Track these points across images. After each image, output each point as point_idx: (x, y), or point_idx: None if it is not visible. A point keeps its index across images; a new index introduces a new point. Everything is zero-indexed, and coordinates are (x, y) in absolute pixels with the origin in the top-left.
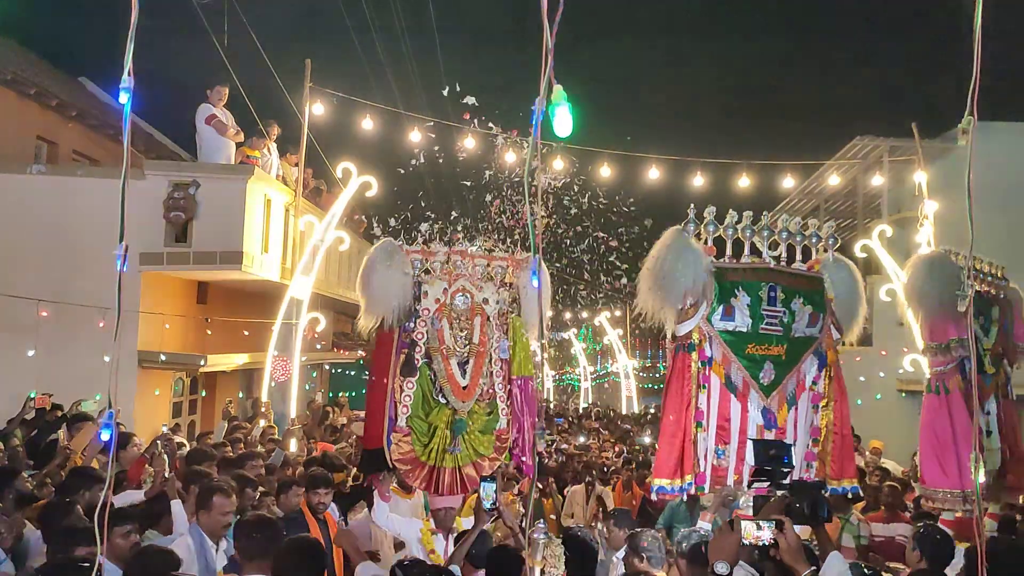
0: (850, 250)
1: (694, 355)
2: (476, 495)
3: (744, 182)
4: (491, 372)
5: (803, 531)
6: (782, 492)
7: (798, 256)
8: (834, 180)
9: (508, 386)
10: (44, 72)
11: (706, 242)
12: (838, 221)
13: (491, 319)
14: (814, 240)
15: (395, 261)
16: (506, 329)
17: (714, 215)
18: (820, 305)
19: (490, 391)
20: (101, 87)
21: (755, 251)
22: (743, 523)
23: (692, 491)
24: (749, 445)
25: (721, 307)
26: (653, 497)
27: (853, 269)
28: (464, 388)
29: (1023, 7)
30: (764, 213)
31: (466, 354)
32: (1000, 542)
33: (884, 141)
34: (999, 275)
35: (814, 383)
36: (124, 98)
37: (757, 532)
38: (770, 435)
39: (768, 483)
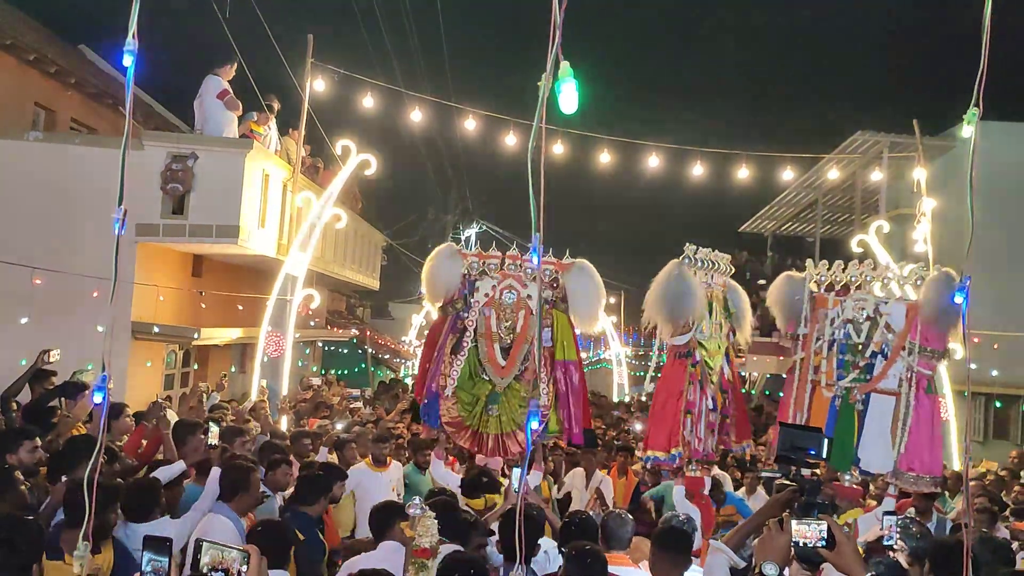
0: (846, 245)
1: (689, 360)
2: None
3: (743, 173)
4: (531, 356)
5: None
6: (791, 485)
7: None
8: (833, 174)
9: (552, 369)
10: (43, 38)
11: (695, 273)
12: (835, 216)
13: (534, 312)
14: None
15: (452, 261)
16: (550, 321)
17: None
18: (728, 315)
19: (533, 372)
20: (101, 55)
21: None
22: (792, 522)
23: (678, 462)
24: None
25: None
26: (648, 465)
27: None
28: (502, 367)
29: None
30: (687, 244)
31: (509, 340)
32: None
33: (885, 137)
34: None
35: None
36: (128, 60)
37: (806, 532)
38: (715, 416)
39: (780, 474)
